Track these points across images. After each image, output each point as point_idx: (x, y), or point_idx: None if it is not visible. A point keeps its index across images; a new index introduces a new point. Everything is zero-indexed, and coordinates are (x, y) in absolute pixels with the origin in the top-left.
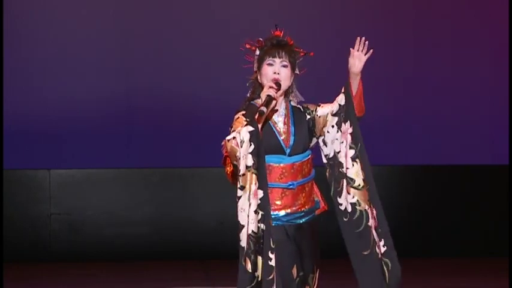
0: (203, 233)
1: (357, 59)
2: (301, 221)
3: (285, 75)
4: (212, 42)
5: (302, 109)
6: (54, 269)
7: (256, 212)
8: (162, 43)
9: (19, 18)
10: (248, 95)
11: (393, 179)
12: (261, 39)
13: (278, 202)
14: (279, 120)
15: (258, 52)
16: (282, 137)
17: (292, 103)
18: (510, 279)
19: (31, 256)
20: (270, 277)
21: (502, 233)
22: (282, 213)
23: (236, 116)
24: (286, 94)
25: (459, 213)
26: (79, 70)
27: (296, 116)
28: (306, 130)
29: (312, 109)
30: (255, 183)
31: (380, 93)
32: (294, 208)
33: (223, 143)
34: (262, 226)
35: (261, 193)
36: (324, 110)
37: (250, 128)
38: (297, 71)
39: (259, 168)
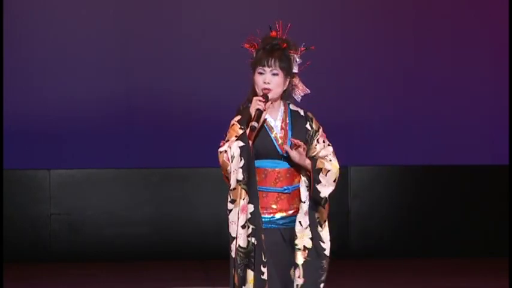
0: (203, 233)
1: (296, 152)
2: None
3: (275, 84)
4: (212, 42)
5: (302, 114)
6: (54, 269)
7: (244, 226)
8: (162, 43)
9: (19, 18)
10: (249, 94)
11: (393, 179)
12: (256, 42)
13: (274, 206)
14: (276, 125)
15: (254, 54)
16: (279, 142)
17: (291, 106)
18: (510, 279)
19: (31, 256)
20: None
21: (502, 233)
22: (278, 216)
23: (232, 123)
24: (284, 97)
25: (459, 213)
26: (79, 70)
27: (294, 120)
28: (304, 136)
29: (314, 128)
30: (244, 198)
31: (380, 94)
32: (289, 212)
33: (220, 144)
34: (252, 240)
35: (251, 207)
36: (310, 152)
37: (241, 143)
38: (295, 70)
39: (249, 183)
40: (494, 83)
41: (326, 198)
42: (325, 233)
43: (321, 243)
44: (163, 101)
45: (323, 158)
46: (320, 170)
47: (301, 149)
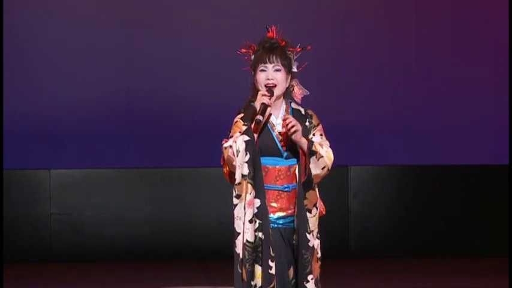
0: (203, 233)
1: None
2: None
3: (279, 79)
4: (212, 42)
5: (303, 113)
6: (54, 269)
7: (251, 221)
8: (162, 43)
9: (19, 18)
10: (250, 97)
11: (393, 179)
12: (253, 44)
13: (274, 204)
14: (277, 123)
15: (252, 57)
16: (280, 140)
17: (293, 105)
18: (510, 279)
19: (31, 256)
20: (271, 285)
21: (502, 233)
22: (277, 215)
23: (235, 120)
24: (286, 95)
25: (459, 213)
26: (79, 70)
27: (295, 118)
28: (305, 134)
29: (314, 123)
30: (251, 193)
31: (380, 93)
32: (289, 211)
33: (223, 142)
34: (260, 235)
35: (258, 202)
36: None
37: (246, 138)
38: (294, 69)
39: (255, 177)
40: (494, 83)
41: (316, 182)
42: (313, 220)
43: (306, 234)
44: (164, 101)
45: (320, 145)
46: (315, 152)
47: (292, 129)
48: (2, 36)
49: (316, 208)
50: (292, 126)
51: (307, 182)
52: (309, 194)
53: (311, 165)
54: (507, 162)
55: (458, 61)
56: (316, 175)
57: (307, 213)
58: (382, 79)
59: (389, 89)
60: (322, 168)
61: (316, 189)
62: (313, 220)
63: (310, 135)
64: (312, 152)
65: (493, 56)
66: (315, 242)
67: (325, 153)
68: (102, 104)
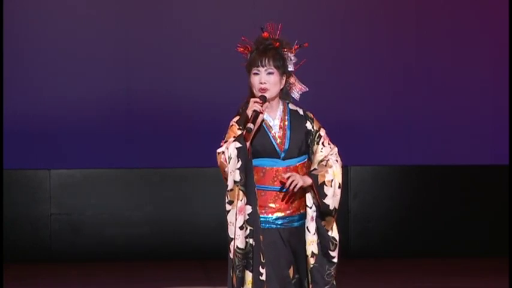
0: (203, 233)
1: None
2: (295, 225)
3: (271, 83)
4: (212, 42)
5: (302, 114)
6: (55, 269)
7: (242, 227)
8: (162, 43)
9: (19, 18)
10: (248, 97)
11: (393, 179)
12: (248, 45)
13: (272, 205)
14: (274, 125)
15: (248, 57)
16: (277, 141)
17: (291, 106)
18: (510, 279)
19: (31, 256)
20: None
21: (502, 233)
22: (275, 216)
23: (230, 124)
24: (282, 96)
25: (459, 213)
26: (79, 70)
27: (293, 119)
28: (303, 135)
29: (315, 128)
30: (242, 199)
31: (380, 93)
32: (288, 212)
33: (221, 144)
34: (251, 241)
35: (249, 208)
36: (317, 156)
37: (238, 145)
38: (290, 68)
39: (247, 184)
40: (494, 83)
41: (336, 208)
42: (335, 234)
43: (330, 252)
44: (163, 101)
45: (323, 167)
46: (323, 183)
47: (296, 188)
48: (2, 36)
49: (333, 227)
50: (295, 186)
51: (324, 211)
52: (327, 219)
53: (328, 194)
54: (507, 162)
55: (458, 61)
56: (339, 198)
57: (329, 231)
58: (382, 79)
59: (389, 89)
60: (339, 187)
61: (334, 218)
62: (334, 234)
63: (315, 147)
64: (320, 186)
65: (493, 56)
66: (336, 254)
67: (333, 174)
68: (102, 104)
